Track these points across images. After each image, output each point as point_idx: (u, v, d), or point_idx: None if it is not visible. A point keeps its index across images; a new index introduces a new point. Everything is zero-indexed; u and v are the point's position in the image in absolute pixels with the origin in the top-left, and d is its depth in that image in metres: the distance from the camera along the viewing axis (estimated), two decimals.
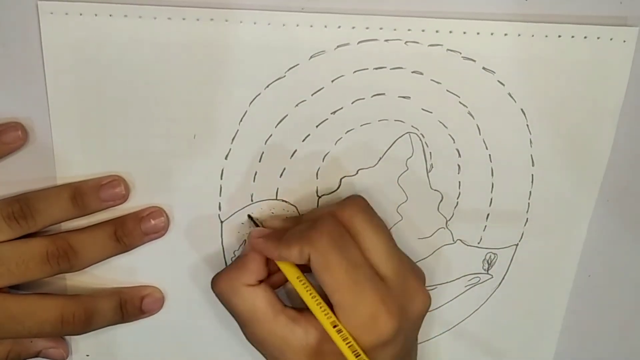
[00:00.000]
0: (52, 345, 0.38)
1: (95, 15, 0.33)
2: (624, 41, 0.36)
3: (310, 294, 0.33)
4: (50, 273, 0.35)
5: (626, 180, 0.40)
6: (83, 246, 0.35)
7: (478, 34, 0.35)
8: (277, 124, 0.36)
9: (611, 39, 0.36)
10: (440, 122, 0.37)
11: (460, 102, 0.37)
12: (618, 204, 0.40)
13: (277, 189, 0.38)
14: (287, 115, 0.36)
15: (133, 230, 0.36)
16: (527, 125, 0.37)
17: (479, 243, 0.41)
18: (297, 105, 0.36)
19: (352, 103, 0.36)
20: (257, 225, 0.37)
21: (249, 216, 0.38)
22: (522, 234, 0.41)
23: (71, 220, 0.36)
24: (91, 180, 0.36)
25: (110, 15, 0.33)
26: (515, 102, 0.37)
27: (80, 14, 0.33)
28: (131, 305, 0.38)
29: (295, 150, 0.37)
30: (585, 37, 0.35)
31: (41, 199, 0.35)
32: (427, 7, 0.34)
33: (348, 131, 0.37)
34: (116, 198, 0.36)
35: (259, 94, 0.35)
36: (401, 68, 0.35)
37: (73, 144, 0.35)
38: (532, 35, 0.35)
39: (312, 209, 0.38)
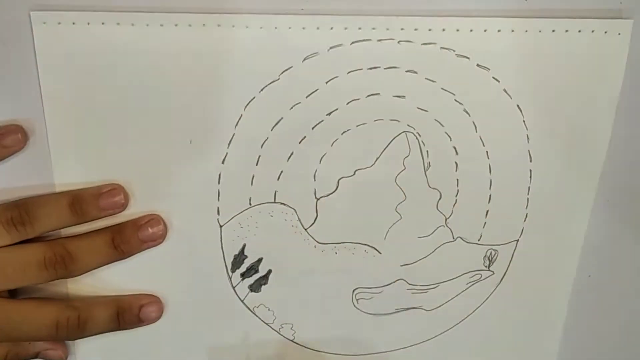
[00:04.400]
0: (50, 347, 0.38)
1: (88, 24, 0.33)
2: (619, 34, 0.36)
3: None
4: (47, 279, 0.35)
5: (625, 180, 0.40)
6: (80, 253, 0.35)
7: (471, 31, 0.35)
8: (273, 127, 0.36)
9: (606, 32, 0.35)
10: (436, 121, 0.37)
11: (455, 99, 0.36)
12: (618, 204, 0.40)
13: (275, 191, 0.38)
14: (282, 118, 0.36)
15: (131, 238, 0.36)
16: (524, 121, 0.37)
17: (479, 240, 0.40)
18: (292, 107, 0.36)
19: (347, 104, 0.36)
20: None
21: None
22: (522, 230, 0.40)
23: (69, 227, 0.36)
24: (91, 188, 0.36)
25: (102, 24, 0.33)
26: (510, 98, 0.37)
27: (73, 23, 0.33)
28: (129, 314, 0.38)
29: (292, 153, 0.37)
30: (579, 31, 0.35)
31: (40, 205, 0.35)
32: (420, 5, 0.34)
33: (344, 132, 0.37)
34: (115, 207, 0.36)
35: (254, 98, 0.35)
36: (395, 67, 0.35)
37: (70, 151, 0.35)
38: (526, 31, 0.35)
39: None
